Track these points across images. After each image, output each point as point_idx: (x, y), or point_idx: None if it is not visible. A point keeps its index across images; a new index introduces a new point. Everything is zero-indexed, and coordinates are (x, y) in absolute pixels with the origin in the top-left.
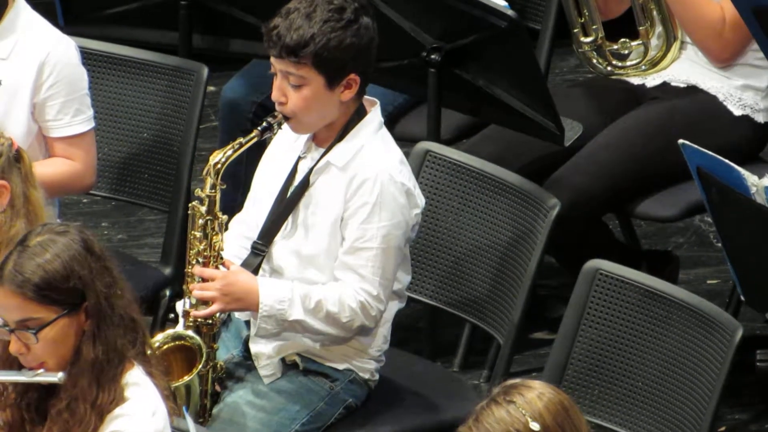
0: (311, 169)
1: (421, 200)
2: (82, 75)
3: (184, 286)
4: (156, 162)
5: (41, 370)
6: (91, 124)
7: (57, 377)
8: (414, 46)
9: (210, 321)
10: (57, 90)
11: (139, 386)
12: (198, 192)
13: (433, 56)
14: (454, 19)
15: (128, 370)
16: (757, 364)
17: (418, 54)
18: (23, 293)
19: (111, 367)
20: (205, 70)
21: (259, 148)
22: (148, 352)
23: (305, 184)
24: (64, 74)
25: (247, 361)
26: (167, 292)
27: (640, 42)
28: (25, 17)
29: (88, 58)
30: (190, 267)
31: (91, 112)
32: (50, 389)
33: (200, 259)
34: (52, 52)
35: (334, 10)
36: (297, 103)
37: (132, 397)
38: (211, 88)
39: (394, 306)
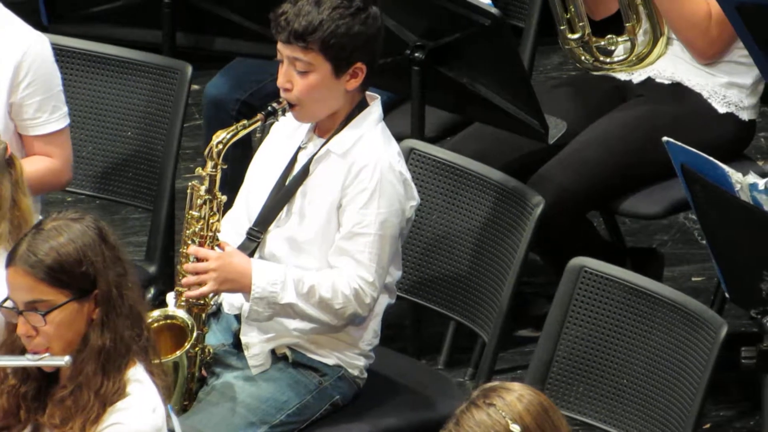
0: (311, 158)
1: (416, 194)
2: (56, 72)
3: (178, 266)
4: (140, 160)
5: (46, 354)
6: (67, 121)
7: (64, 360)
8: (397, 44)
9: (202, 302)
10: (34, 88)
11: (141, 383)
12: (199, 170)
13: (416, 54)
14: (437, 16)
15: (131, 367)
16: (742, 361)
17: (401, 52)
18: (35, 274)
19: (117, 356)
20: (189, 69)
21: (244, 148)
22: (152, 355)
23: (305, 172)
24: (41, 73)
25: (237, 351)
26: (152, 290)
27: (627, 38)
28: None
29: (71, 56)
30: (185, 247)
31: (66, 109)
32: (51, 379)
33: (196, 239)
34: (29, 51)
35: None
36: (303, 90)
37: (133, 393)
38: (195, 87)
39: (384, 300)
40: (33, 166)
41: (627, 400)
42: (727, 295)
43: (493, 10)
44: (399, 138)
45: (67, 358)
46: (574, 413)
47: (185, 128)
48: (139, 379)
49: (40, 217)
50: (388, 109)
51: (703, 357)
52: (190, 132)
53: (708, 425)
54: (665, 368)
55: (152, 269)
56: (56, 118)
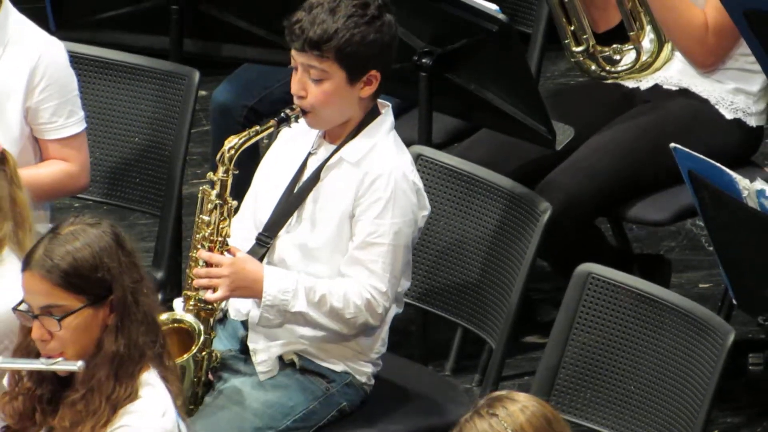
0: (322, 165)
1: (428, 204)
2: (72, 76)
3: (188, 271)
4: (148, 166)
5: (60, 359)
6: (84, 125)
7: (77, 366)
8: (405, 50)
9: (210, 306)
10: (50, 93)
11: (152, 387)
12: (210, 175)
13: (424, 60)
14: (445, 23)
15: (145, 371)
16: (749, 367)
17: (409, 58)
18: (51, 279)
19: (131, 362)
20: (197, 75)
21: (251, 154)
22: (167, 360)
23: (315, 178)
24: (56, 77)
25: (244, 356)
26: (159, 296)
27: (632, 46)
28: (13, 21)
29: (79, 62)
30: (195, 251)
31: (83, 114)
32: (65, 382)
33: (206, 244)
34: (43, 56)
35: (357, 5)
36: (318, 97)
37: (144, 396)
38: (202, 93)
39: (392, 310)
40: (50, 170)
41: (634, 406)
42: (734, 301)
43: (501, 16)
44: (406, 144)
45: (80, 363)
46: (581, 419)
47: (193, 134)
48: (151, 383)
49: (49, 225)
50: (395, 116)
51: (710, 363)
52: (197, 138)
53: None
54: (672, 374)
55: (159, 275)
56: (72, 123)
